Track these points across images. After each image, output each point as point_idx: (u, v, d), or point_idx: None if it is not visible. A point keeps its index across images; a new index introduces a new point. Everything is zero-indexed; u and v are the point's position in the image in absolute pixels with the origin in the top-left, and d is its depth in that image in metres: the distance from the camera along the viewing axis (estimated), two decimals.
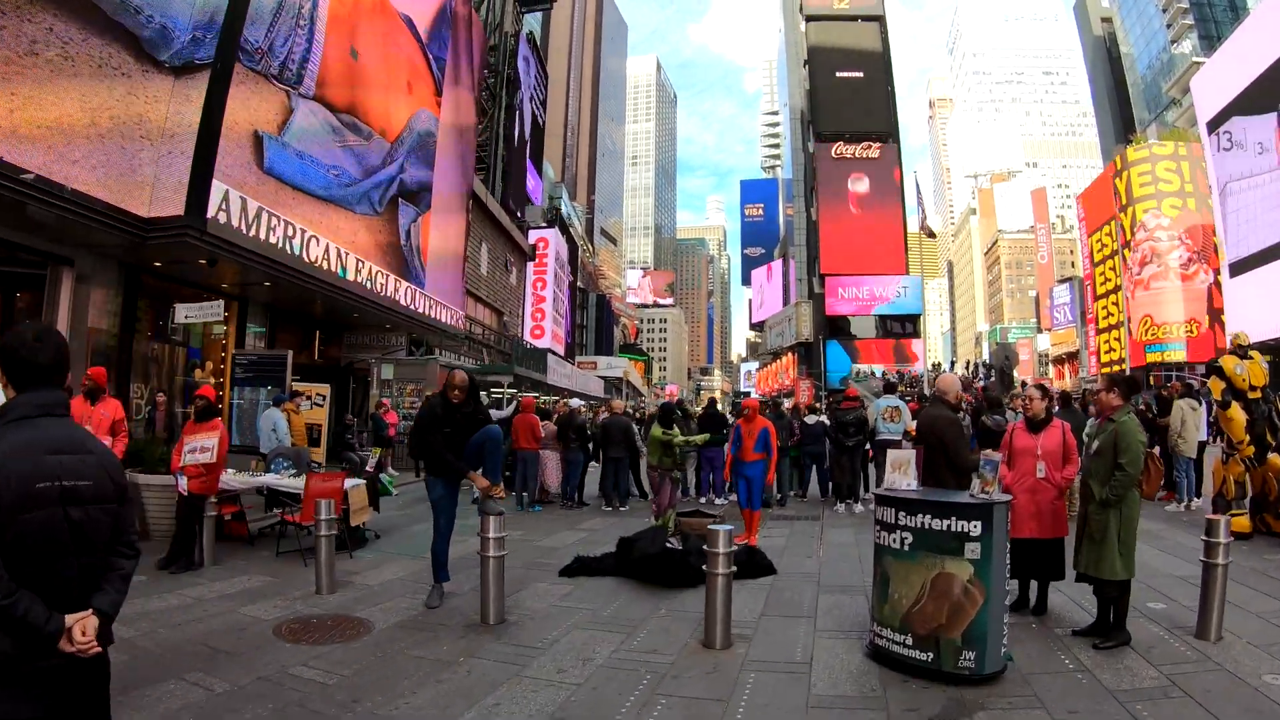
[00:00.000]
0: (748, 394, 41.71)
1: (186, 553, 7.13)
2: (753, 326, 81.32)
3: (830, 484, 12.45)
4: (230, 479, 8.20)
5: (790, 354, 59.62)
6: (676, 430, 9.95)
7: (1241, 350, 9.40)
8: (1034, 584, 5.87)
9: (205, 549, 7.33)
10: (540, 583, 7.00)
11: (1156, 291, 55.02)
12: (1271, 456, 8.77)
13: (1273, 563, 7.35)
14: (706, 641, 5.12)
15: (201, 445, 7.18)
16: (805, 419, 12.85)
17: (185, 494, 7.09)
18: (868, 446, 11.91)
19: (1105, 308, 55.54)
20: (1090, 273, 58.36)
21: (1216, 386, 9.27)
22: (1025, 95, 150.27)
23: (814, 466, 12.90)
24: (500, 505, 5.89)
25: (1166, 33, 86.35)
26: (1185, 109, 67.63)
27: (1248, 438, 8.85)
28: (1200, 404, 11.39)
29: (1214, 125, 48.24)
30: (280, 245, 11.90)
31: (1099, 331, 56.69)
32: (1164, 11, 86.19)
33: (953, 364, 65.25)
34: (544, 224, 45.63)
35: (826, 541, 9.19)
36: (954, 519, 4.43)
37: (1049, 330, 73.10)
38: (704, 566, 5.10)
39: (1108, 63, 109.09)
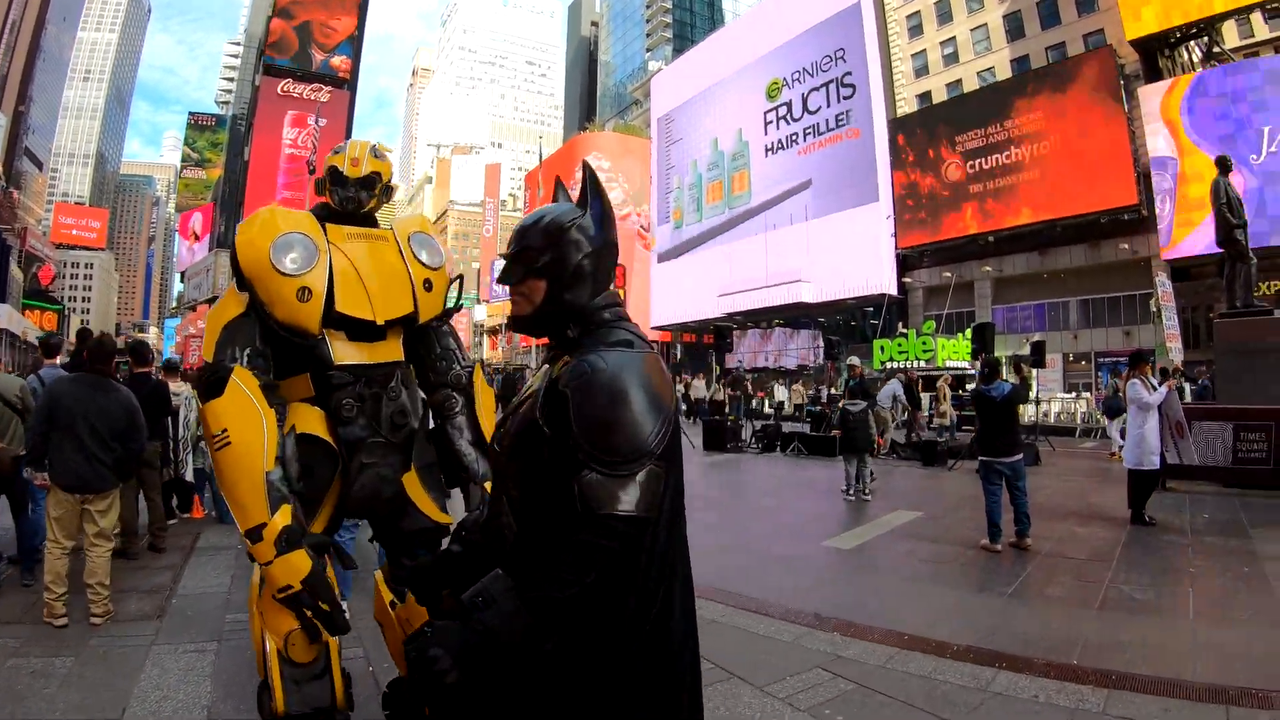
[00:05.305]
0: None
1: None
2: (183, 277, 69.85)
3: None
4: None
5: (206, 308, 50.79)
6: None
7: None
8: None
9: None
10: None
11: None
12: None
13: None
14: None
15: None
16: None
17: None
18: None
19: None
20: None
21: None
22: (504, 79, 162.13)
23: None
24: None
25: (645, 41, 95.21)
26: (644, 110, 74.87)
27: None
28: None
29: (664, 122, 54.93)
30: None
31: None
32: (647, 22, 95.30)
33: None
34: None
35: None
36: None
37: (487, 302, 78.38)
38: None
39: (587, 62, 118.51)
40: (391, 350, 3.00)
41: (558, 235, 1.75)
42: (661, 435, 1.57)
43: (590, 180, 1.83)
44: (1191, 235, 27.53)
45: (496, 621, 1.51)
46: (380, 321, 2.88)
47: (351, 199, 2.98)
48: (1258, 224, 22.62)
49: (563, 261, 1.74)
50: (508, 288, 1.82)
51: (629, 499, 1.53)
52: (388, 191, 3.12)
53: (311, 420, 2.85)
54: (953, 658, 4.30)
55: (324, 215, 2.99)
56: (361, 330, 2.89)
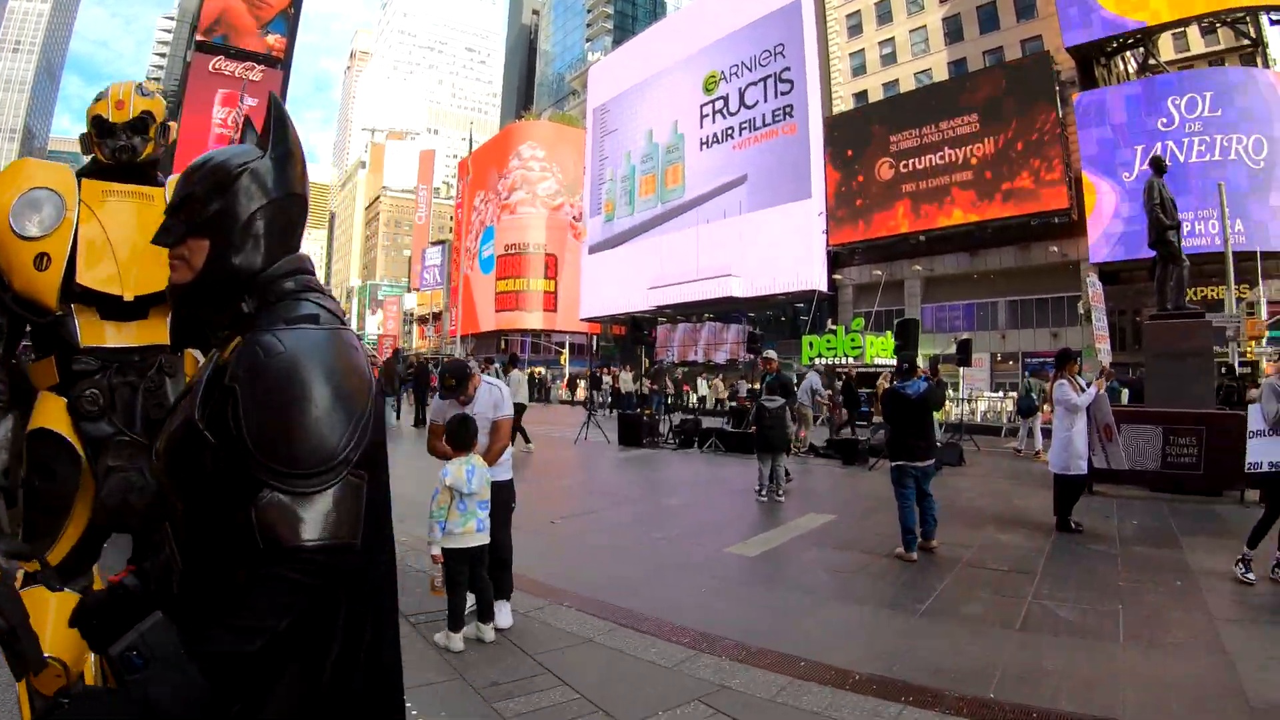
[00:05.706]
0: None
1: None
2: None
3: None
4: None
5: None
6: None
7: None
8: None
9: None
10: None
11: (522, 216, 60.36)
12: None
13: None
14: None
15: None
16: None
17: None
18: None
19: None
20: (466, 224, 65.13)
21: None
22: (443, 65, 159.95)
23: None
24: None
25: (585, 31, 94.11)
26: (581, 100, 73.32)
27: None
28: None
29: (599, 112, 54.47)
30: None
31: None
32: (589, 12, 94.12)
33: None
34: None
35: None
36: None
37: (417, 290, 79.40)
38: None
39: (527, 51, 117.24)
40: (155, 332, 2.59)
41: (225, 182, 1.38)
42: (357, 436, 1.26)
43: (276, 117, 1.45)
44: None
45: (159, 685, 1.13)
46: (129, 297, 2.50)
47: (125, 148, 2.58)
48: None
49: (230, 215, 1.38)
50: (166, 249, 1.41)
51: (321, 523, 1.21)
52: (165, 131, 2.71)
53: (54, 413, 2.47)
54: (853, 689, 3.68)
55: (90, 172, 2.59)
56: (114, 307, 2.51)
